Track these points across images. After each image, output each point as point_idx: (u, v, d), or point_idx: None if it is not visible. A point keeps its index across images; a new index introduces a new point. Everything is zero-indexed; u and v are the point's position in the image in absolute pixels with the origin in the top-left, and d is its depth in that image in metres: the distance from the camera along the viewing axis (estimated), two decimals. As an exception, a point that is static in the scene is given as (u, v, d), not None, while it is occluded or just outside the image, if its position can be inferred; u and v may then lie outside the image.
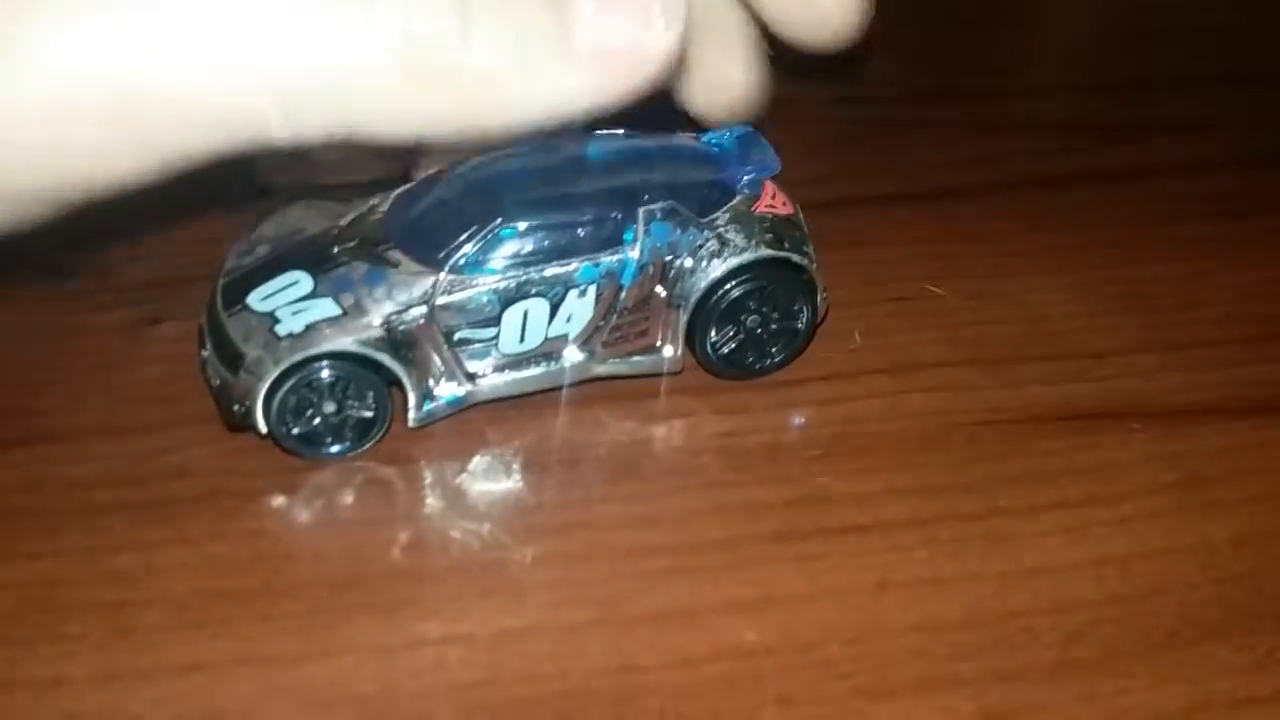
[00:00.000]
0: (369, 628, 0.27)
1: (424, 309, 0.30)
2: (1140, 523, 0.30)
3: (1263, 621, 0.28)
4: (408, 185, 0.33)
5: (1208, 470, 0.31)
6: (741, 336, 0.33)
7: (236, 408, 0.30)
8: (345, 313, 0.30)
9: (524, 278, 0.31)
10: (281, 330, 0.30)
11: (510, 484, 0.31)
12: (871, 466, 0.31)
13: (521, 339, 0.31)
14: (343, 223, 0.32)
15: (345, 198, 0.34)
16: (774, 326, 0.33)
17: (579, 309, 0.31)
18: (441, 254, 0.30)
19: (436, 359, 0.31)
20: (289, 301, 0.30)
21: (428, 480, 0.31)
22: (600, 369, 0.32)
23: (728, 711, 0.25)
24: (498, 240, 0.30)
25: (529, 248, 0.31)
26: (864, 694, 0.26)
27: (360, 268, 0.31)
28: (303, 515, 0.30)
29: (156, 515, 0.30)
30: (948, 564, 0.29)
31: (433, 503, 0.30)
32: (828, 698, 0.25)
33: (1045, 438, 0.32)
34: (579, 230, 0.31)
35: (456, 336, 0.31)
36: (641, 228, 0.31)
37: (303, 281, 0.31)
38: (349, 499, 0.30)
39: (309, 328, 0.30)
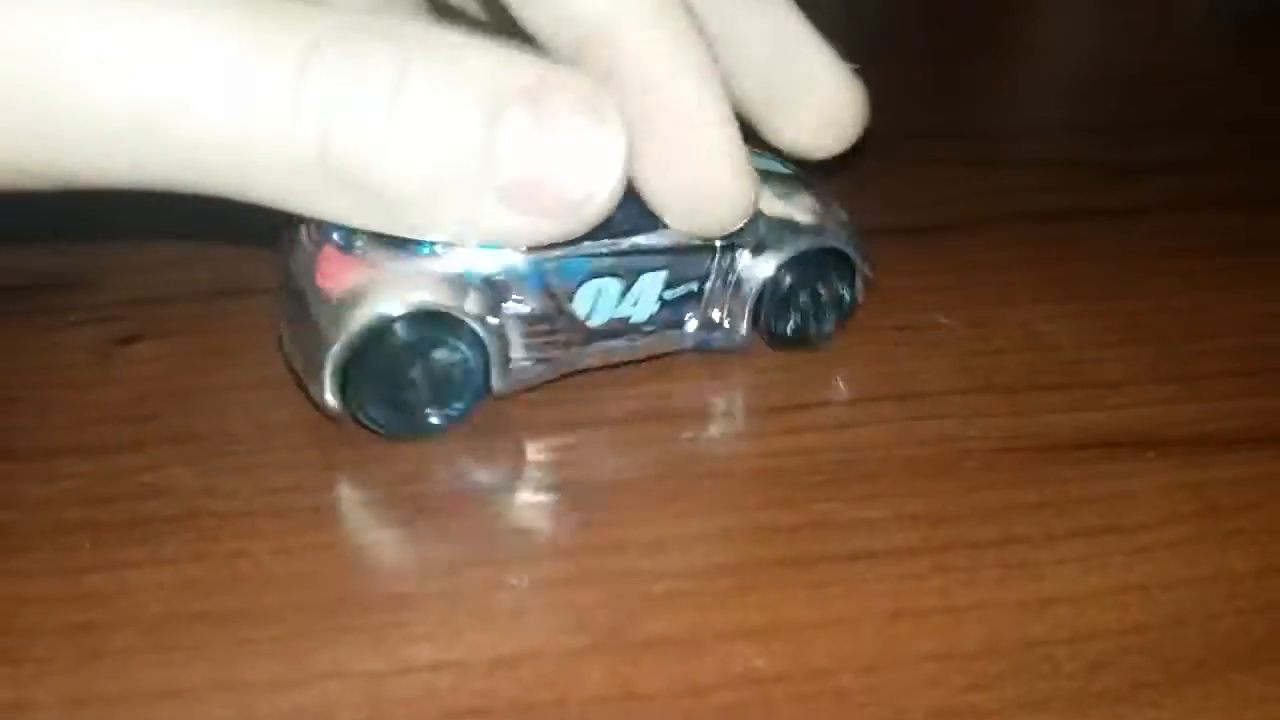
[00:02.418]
0: (355, 653, 0.25)
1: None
2: (1161, 552, 0.28)
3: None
4: None
5: (1228, 500, 0.30)
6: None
7: None
8: None
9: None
10: None
11: (506, 507, 0.29)
12: (879, 493, 0.30)
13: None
14: None
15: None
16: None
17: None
18: None
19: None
20: None
21: (418, 502, 0.29)
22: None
23: (737, 743, 0.24)
24: None
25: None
26: (879, 725, 0.24)
27: None
28: (286, 537, 0.28)
29: (130, 535, 0.28)
30: (963, 592, 0.27)
31: (424, 525, 0.29)
32: (842, 729, 0.24)
33: (1062, 466, 0.31)
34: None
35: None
36: None
37: None
38: (336, 521, 0.29)
39: None
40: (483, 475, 0.30)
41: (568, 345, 0.31)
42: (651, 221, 0.31)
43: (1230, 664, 0.26)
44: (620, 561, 0.28)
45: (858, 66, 0.35)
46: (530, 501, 0.29)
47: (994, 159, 0.47)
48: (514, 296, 0.30)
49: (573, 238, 0.28)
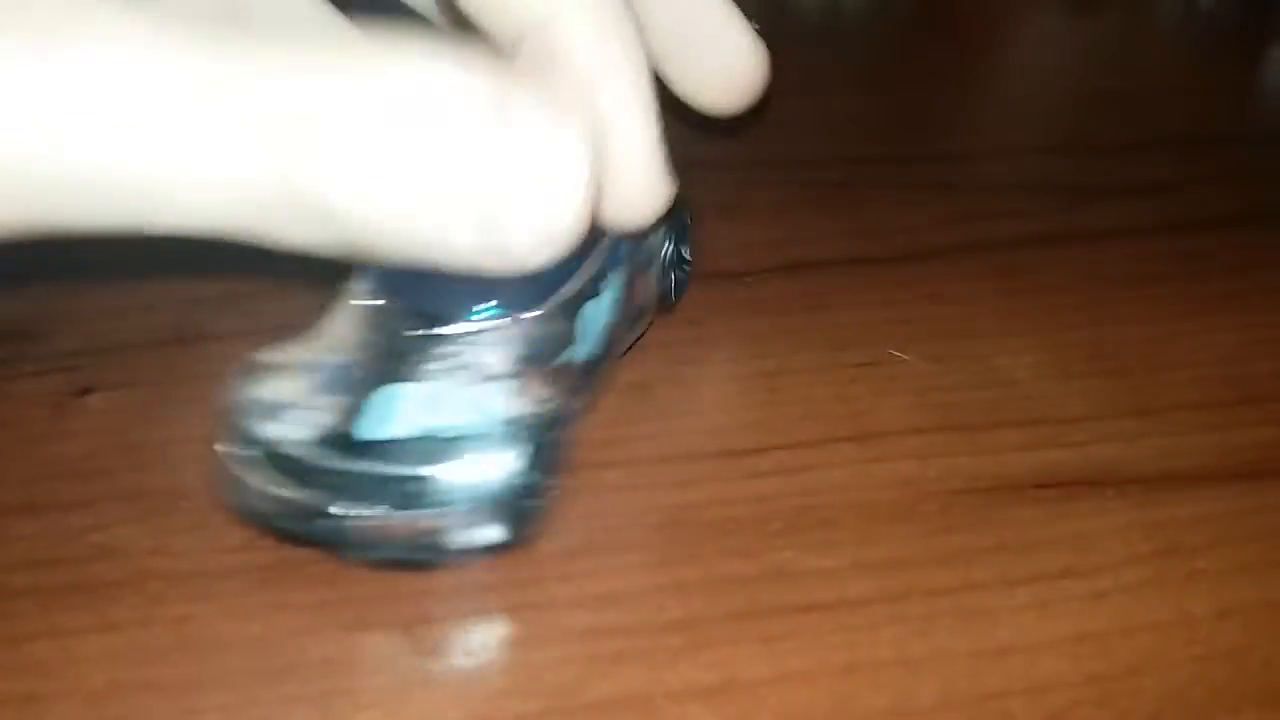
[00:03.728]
0: (301, 721, 0.25)
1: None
2: (1118, 596, 0.28)
3: (1246, 701, 0.26)
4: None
5: (1187, 540, 0.30)
6: None
7: None
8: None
9: None
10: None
11: (455, 564, 0.29)
12: (837, 539, 0.30)
13: None
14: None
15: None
16: None
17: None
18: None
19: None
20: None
21: (368, 563, 0.29)
22: None
23: (687, 808, 0.24)
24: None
25: None
26: (832, 786, 0.24)
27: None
28: (235, 600, 0.28)
29: (76, 600, 0.28)
30: (919, 642, 0.27)
31: (376, 584, 0.28)
32: (793, 791, 0.24)
33: (1021, 507, 0.31)
34: None
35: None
36: None
37: None
38: (285, 583, 0.28)
39: None
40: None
41: None
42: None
43: (1186, 714, 0.26)
44: (571, 619, 0.27)
45: (760, 27, 0.34)
46: (480, 559, 0.29)
47: (956, 183, 0.47)
48: None
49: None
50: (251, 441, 0.27)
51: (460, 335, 0.29)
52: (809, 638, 0.27)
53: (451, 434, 0.27)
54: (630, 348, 0.35)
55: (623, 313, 0.33)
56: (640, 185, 0.29)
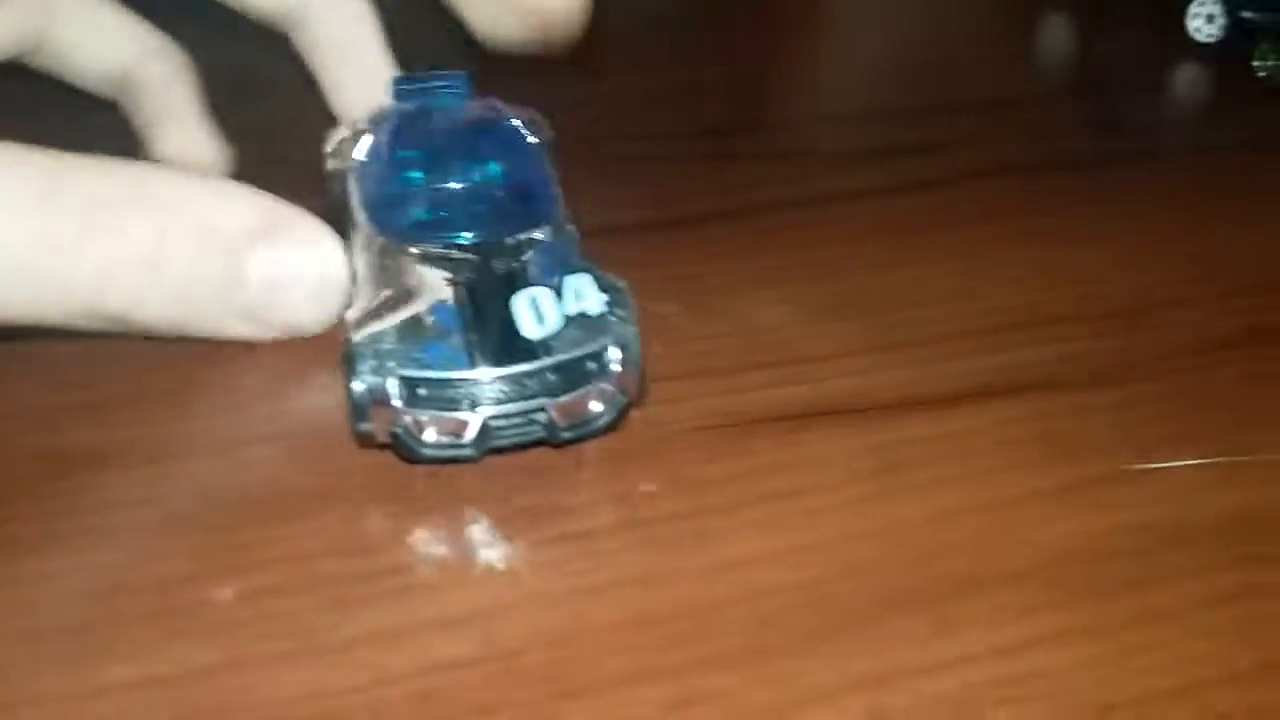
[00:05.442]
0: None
1: None
2: (837, 511, 0.31)
3: (948, 590, 0.28)
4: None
5: (906, 457, 0.32)
6: None
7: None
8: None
9: None
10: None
11: (204, 518, 0.30)
12: (587, 479, 0.32)
13: None
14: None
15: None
16: None
17: None
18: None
19: None
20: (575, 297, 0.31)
21: (124, 524, 0.30)
22: None
23: (423, 726, 0.25)
24: None
25: None
26: (561, 695, 0.26)
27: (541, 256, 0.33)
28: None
29: None
30: (657, 562, 0.29)
31: (126, 545, 0.29)
32: (524, 702, 0.26)
33: (759, 438, 0.33)
34: None
35: None
36: None
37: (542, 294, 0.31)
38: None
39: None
40: (195, 491, 0.31)
41: None
42: None
43: (889, 609, 0.28)
44: (323, 566, 0.29)
45: None
46: (230, 516, 0.30)
47: (731, 153, 0.49)
48: None
49: None
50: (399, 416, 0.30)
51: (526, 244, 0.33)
52: (548, 566, 0.29)
53: (580, 319, 0.31)
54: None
55: None
56: None
